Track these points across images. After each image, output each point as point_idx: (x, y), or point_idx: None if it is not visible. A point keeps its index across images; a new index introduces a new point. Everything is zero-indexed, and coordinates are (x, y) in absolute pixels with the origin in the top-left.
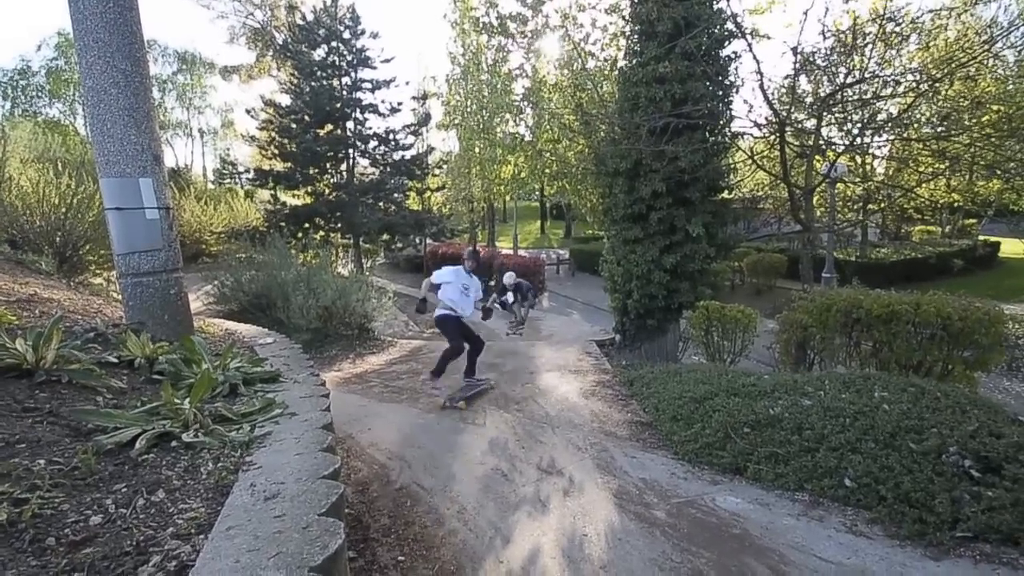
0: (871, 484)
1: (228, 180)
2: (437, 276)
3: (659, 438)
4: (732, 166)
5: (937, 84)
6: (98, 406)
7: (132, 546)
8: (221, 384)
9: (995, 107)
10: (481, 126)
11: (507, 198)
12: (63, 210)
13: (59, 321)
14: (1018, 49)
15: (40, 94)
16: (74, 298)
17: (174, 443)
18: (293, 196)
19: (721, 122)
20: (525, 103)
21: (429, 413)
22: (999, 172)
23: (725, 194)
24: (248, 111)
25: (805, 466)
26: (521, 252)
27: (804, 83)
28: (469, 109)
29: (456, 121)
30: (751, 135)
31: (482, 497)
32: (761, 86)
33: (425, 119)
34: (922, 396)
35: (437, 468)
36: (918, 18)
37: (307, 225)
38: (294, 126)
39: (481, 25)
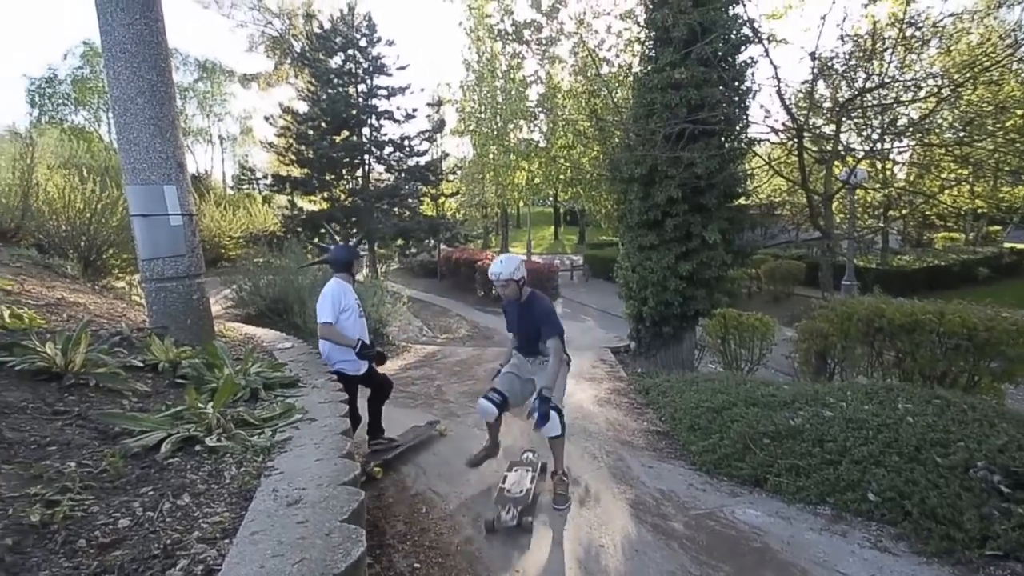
0: (896, 499)
1: (246, 186)
2: (332, 299)
3: (676, 448)
4: (749, 172)
5: (959, 89)
6: (124, 409)
7: (160, 549)
8: (242, 389)
9: (1020, 112)
10: (495, 132)
11: (520, 204)
12: (88, 215)
13: (87, 326)
14: None
15: (66, 102)
16: (99, 302)
17: (198, 447)
18: (310, 202)
19: (738, 128)
20: (539, 109)
21: (443, 419)
22: None
23: (742, 200)
24: (266, 118)
25: (827, 479)
26: (535, 258)
27: (822, 88)
28: (483, 115)
29: (470, 127)
30: (768, 141)
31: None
32: (779, 91)
33: (440, 125)
34: (947, 408)
35: (452, 475)
36: (939, 22)
37: (323, 230)
38: (311, 133)
39: (496, 32)
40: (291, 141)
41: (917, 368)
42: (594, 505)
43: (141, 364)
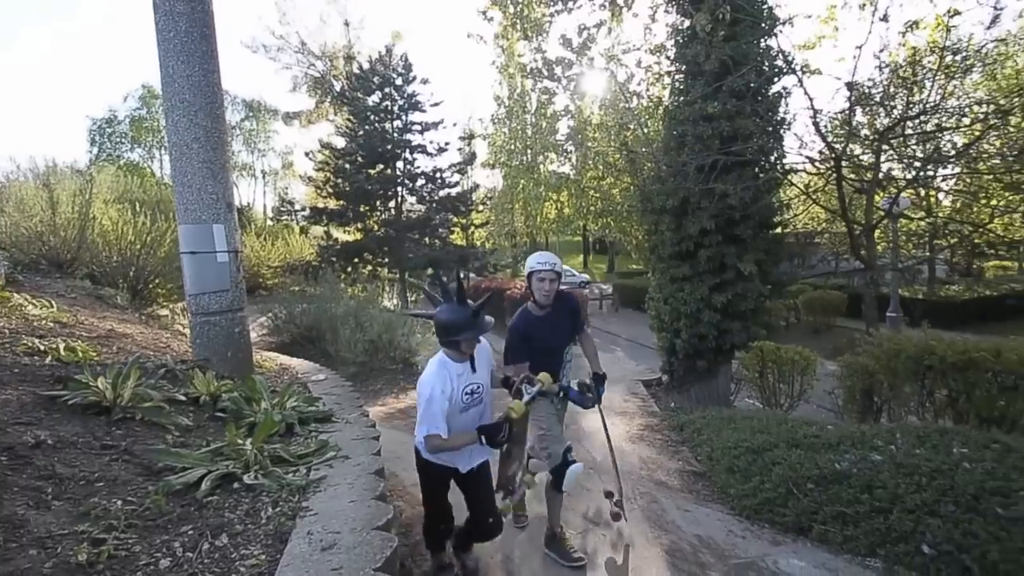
0: (953, 552)
1: (285, 217)
2: (431, 395)
3: (713, 490)
4: (786, 202)
5: (1007, 115)
6: (167, 444)
7: None
8: (278, 423)
9: None
10: (525, 165)
11: (550, 234)
12: (138, 246)
13: (137, 362)
14: None
15: (123, 140)
16: (145, 332)
17: (236, 484)
18: (344, 232)
19: (772, 158)
20: (569, 143)
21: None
22: None
23: (778, 230)
24: (307, 153)
25: (877, 529)
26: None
27: (860, 116)
28: (513, 148)
29: (501, 160)
30: (805, 171)
31: (527, 547)
32: (814, 122)
33: (471, 158)
34: (1007, 454)
35: None
36: (982, 48)
37: (356, 260)
38: (348, 167)
39: (528, 71)
40: (329, 175)
41: (972, 409)
42: (628, 551)
43: (183, 398)
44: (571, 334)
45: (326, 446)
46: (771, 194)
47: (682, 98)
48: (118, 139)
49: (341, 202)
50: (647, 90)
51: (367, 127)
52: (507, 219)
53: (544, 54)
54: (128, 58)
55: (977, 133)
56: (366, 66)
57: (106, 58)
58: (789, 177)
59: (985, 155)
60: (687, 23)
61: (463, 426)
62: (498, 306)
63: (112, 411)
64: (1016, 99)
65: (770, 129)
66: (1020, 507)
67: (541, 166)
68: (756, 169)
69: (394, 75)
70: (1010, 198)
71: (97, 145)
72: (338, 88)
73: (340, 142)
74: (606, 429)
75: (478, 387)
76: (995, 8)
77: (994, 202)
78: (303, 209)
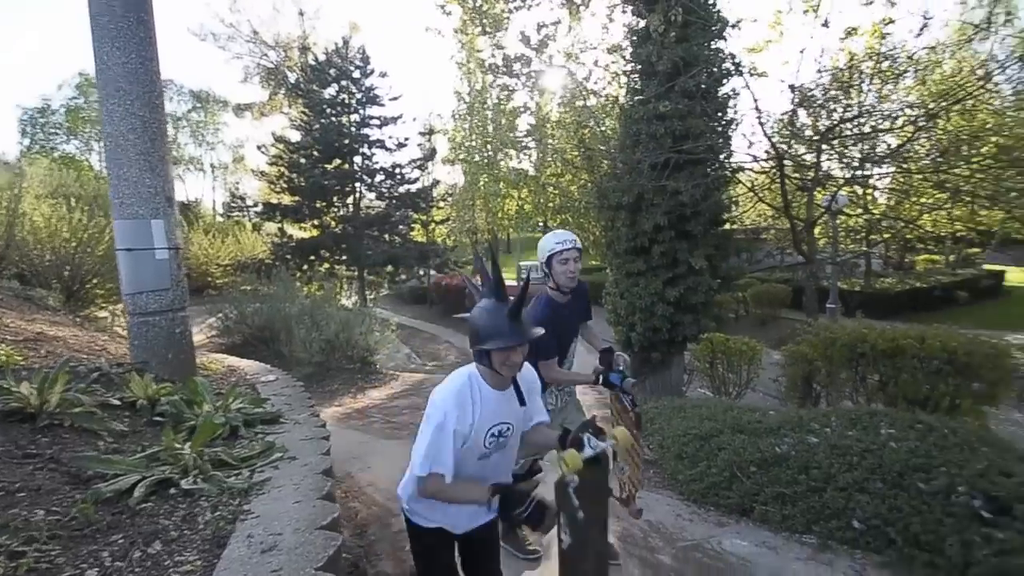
0: (880, 526)
1: (237, 213)
2: (438, 426)
3: (664, 477)
4: (734, 199)
5: (935, 118)
6: (99, 451)
7: None
8: (222, 426)
9: (994, 139)
10: (486, 161)
11: (511, 231)
12: (73, 244)
13: (66, 364)
14: (1014, 83)
15: (58, 131)
16: (79, 335)
17: (173, 490)
18: (300, 229)
19: (722, 156)
20: (529, 139)
21: None
22: (1000, 202)
23: (727, 226)
24: (259, 147)
25: (813, 507)
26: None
27: (803, 117)
28: (474, 144)
29: (461, 156)
30: (752, 169)
31: None
32: (760, 121)
33: (431, 154)
34: (929, 433)
35: None
36: (914, 55)
37: (313, 257)
38: (303, 161)
39: (487, 66)
40: (283, 169)
41: (900, 392)
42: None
43: (118, 402)
44: (577, 325)
45: (272, 448)
46: (720, 192)
47: (637, 97)
48: (52, 130)
49: (296, 198)
50: (604, 88)
51: (323, 120)
52: (468, 215)
53: (504, 50)
54: (64, 44)
55: (908, 135)
56: (322, 58)
57: (40, 44)
58: (737, 175)
59: (915, 156)
60: (642, 23)
61: (479, 475)
62: (459, 302)
63: (38, 418)
64: (943, 103)
65: (719, 128)
66: (939, 482)
67: (501, 162)
68: (706, 167)
69: (351, 67)
70: (937, 196)
71: (29, 136)
72: (293, 80)
73: (295, 136)
74: (639, 414)
75: (508, 428)
76: (924, 17)
77: (923, 200)
78: (255, 205)
